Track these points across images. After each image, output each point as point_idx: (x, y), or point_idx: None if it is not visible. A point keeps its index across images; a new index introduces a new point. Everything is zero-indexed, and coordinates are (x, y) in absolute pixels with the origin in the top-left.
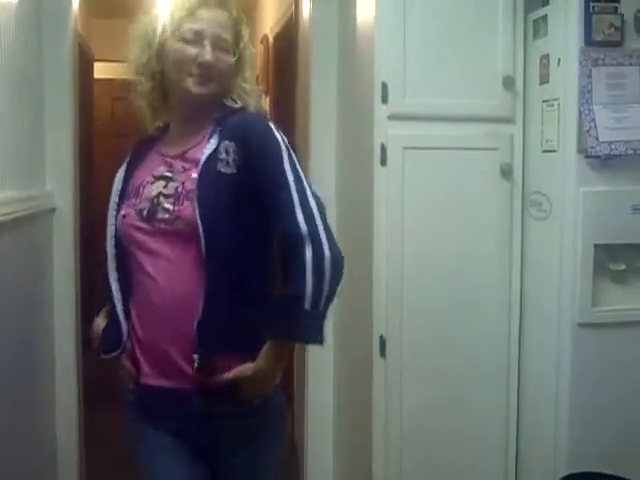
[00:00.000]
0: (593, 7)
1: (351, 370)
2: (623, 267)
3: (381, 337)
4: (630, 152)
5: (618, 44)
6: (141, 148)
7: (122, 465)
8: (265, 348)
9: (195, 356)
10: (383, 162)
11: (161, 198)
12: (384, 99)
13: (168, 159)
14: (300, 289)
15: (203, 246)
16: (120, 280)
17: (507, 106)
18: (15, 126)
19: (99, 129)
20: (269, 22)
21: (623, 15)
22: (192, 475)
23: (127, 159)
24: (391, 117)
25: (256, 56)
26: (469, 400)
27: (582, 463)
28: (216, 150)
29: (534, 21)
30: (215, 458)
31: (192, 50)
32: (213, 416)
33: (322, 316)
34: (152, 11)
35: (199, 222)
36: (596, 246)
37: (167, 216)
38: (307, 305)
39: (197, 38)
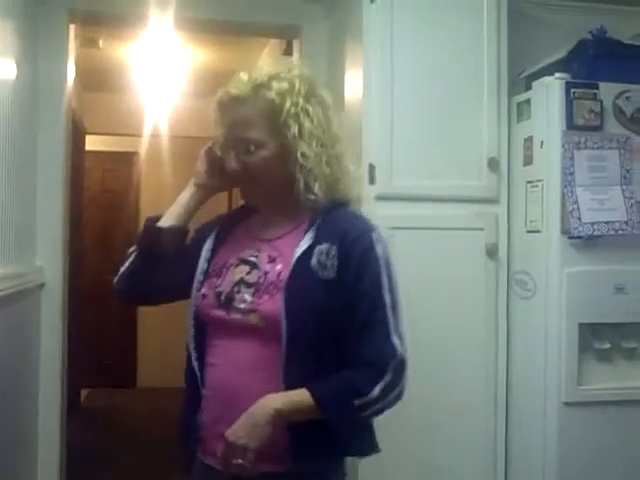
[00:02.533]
0: (574, 93)
1: None
2: (608, 346)
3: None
4: (612, 232)
5: (598, 128)
6: (229, 222)
7: None
8: (288, 393)
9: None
10: None
11: (242, 286)
12: (371, 180)
13: (257, 243)
14: (366, 390)
15: (284, 348)
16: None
17: (492, 187)
18: (7, 201)
19: (89, 200)
20: None
21: (602, 101)
22: None
23: (215, 231)
24: (378, 198)
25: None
26: (456, 474)
27: None
28: (311, 248)
29: (518, 104)
30: None
31: (225, 156)
32: None
33: (358, 424)
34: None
35: (284, 321)
36: (581, 325)
37: (243, 306)
38: (357, 402)
39: (225, 144)
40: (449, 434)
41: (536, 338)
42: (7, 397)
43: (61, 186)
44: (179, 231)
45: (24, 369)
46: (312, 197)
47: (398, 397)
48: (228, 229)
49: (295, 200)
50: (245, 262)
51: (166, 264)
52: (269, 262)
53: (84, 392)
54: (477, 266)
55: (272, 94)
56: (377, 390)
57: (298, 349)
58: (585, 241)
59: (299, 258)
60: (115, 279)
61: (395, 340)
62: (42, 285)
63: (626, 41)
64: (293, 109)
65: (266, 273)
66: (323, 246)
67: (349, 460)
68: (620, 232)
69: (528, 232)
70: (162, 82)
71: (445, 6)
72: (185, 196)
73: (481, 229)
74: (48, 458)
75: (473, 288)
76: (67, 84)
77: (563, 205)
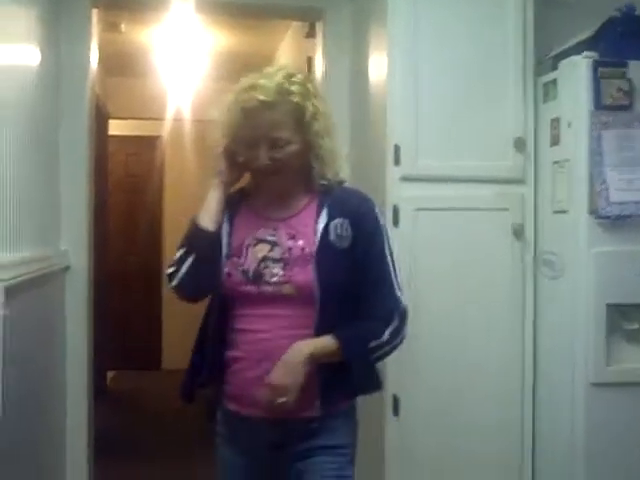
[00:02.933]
0: (601, 72)
1: (363, 430)
2: (636, 326)
3: (394, 396)
4: None
5: (627, 107)
6: (233, 203)
7: None
8: (315, 340)
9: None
10: (395, 223)
11: (268, 262)
12: (397, 161)
13: (271, 222)
14: (379, 334)
15: (317, 311)
16: (218, 330)
17: (518, 167)
18: (33, 185)
19: (112, 185)
20: None
21: (631, 79)
22: None
23: (226, 215)
24: (403, 179)
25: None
26: (483, 457)
27: None
28: (327, 224)
29: (544, 85)
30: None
31: (250, 153)
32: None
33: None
34: (214, 113)
35: (317, 289)
36: (608, 305)
37: (275, 279)
38: (372, 344)
39: (251, 142)
40: (476, 415)
41: (563, 318)
42: (34, 381)
43: (85, 170)
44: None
45: (51, 352)
46: (324, 182)
47: (402, 341)
48: (234, 212)
49: (304, 183)
50: (263, 241)
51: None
52: (289, 239)
53: (110, 375)
54: (503, 247)
55: (296, 98)
56: (387, 334)
57: (327, 310)
58: (613, 221)
59: (322, 234)
60: (174, 281)
61: (398, 294)
62: (67, 268)
63: None
64: (312, 109)
65: (290, 249)
66: (337, 221)
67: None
68: None
69: (555, 212)
70: (184, 66)
71: None
72: (216, 195)
73: (507, 209)
74: (76, 441)
75: (499, 269)
76: (90, 69)
77: (590, 185)
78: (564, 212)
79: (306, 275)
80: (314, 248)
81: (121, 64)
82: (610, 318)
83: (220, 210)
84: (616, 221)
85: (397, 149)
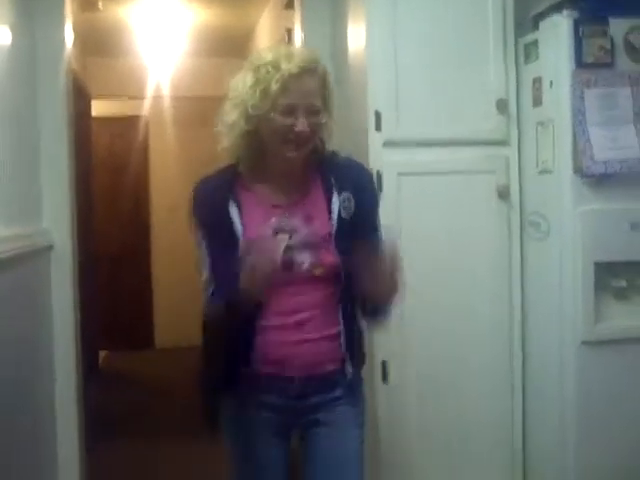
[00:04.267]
0: (582, 30)
1: None
2: (624, 284)
3: (383, 362)
4: (625, 170)
5: (609, 65)
6: (231, 184)
7: None
8: None
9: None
10: (379, 189)
11: (292, 251)
12: (378, 127)
13: (281, 209)
14: None
15: (342, 285)
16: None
17: (501, 129)
18: (9, 164)
19: (98, 165)
20: None
21: (612, 38)
22: None
23: (230, 202)
24: (385, 144)
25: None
26: (473, 420)
27: None
28: (341, 202)
29: (525, 45)
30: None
31: (287, 121)
32: None
33: None
34: (246, 78)
35: (342, 268)
36: (596, 264)
37: (306, 265)
38: None
39: (291, 110)
40: (465, 380)
41: (551, 279)
42: (21, 360)
43: (65, 150)
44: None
45: (37, 331)
46: (325, 155)
47: None
48: (238, 198)
49: (309, 162)
50: (281, 230)
51: None
52: (306, 222)
53: (102, 354)
54: (489, 209)
55: (324, 72)
56: None
57: (348, 279)
58: (598, 179)
59: (338, 214)
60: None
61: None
62: (50, 247)
63: None
64: (331, 86)
65: (311, 233)
66: (344, 195)
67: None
68: (634, 169)
69: (540, 173)
70: (164, 42)
71: None
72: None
73: (492, 172)
74: (66, 421)
75: (485, 232)
76: (66, 49)
77: (575, 144)
78: (549, 172)
79: (333, 256)
80: (332, 229)
81: (101, 43)
82: (598, 276)
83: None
84: (601, 179)
85: (378, 115)
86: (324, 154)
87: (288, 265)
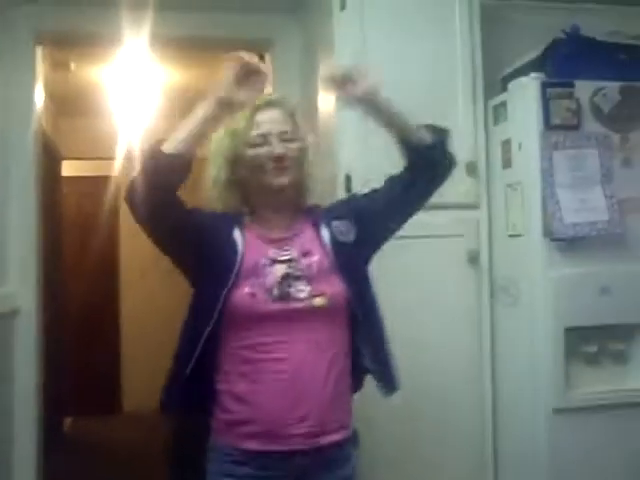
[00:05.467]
0: (550, 93)
1: None
2: (595, 349)
3: (354, 430)
4: (594, 233)
5: (576, 127)
6: (238, 219)
7: None
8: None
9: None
10: None
11: (290, 280)
12: (348, 190)
13: (279, 242)
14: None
15: (349, 321)
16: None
17: (471, 192)
18: None
19: (67, 225)
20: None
21: (579, 100)
22: None
23: (238, 231)
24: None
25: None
26: None
27: None
28: (331, 232)
29: (494, 107)
30: None
31: (262, 150)
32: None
33: None
34: (218, 132)
35: (349, 298)
36: (567, 329)
37: (303, 295)
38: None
39: (264, 140)
40: (436, 445)
41: (522, 345)
42: None
43: (34, 212)
44: (186, 160)
45: None
46: (309, 200)
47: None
48: (243, 229)
49: (297, 203)
50: (278, 261)
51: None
52: (304, 256)
53: (67, 421)
54: (459, 273)
55: (293, 106)
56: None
57: (362, 320)
58: (568, 243)
59: (331, 243)
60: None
61: None
62: (15, 312)
63: (599, 38)
64: (302, 123)
65: (308, 265)
66: (334, 224)
67: None
68: (603, 232)
69: (510, 236)
70: (137, 103)
71: (416, 10)
72: (200, 114)
73: (461, 235)
74: None
75: (455, 296)
76: (36, 109)
77: (544, 207)
78: (519, 236)
79: (335, 285)
80: (332, 259)
81: (73, 104)
82: (568, 342)
83: (199, 134)
84: (571, 243)
85: (348, 179)
86: (309, 205)
87: (285, 293)
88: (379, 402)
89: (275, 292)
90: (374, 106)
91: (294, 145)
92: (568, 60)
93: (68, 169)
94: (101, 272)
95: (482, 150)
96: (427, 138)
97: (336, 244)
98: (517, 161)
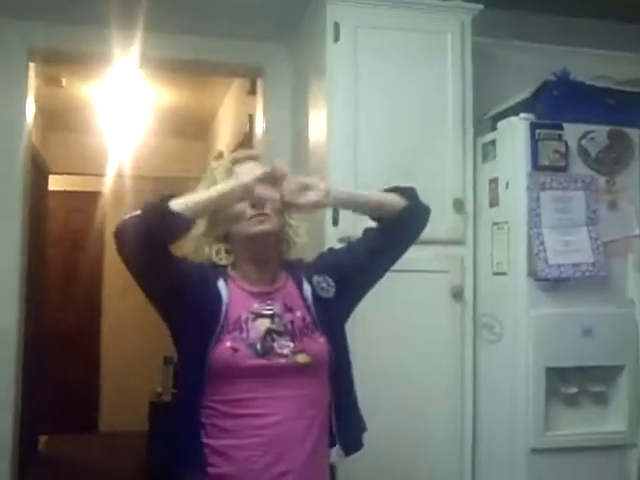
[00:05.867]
0: (539, 134)
1: None
2: (575, 390)
3: (331, 465)
4: (578, 274)
5: (563, 169)
6: (218, 269)
7: None
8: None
9: None
10: None
11: (274, 335)
12: (335, 222)
13: (263, 296)
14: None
15: (331, 375)
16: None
17: (457, 228)
18: None
19: (53, 240)
20: (225, 138)
21: (567, 142)
22: None
23: (222, 284)
24: (341, 240)
25: None
26: None
27: None
28: (313, 288)
29: (483, 145)
30: None
31: (241, 206)
32: None
33: None
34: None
35: (330, 354)
36: (548, 369)
37: (286, 351)
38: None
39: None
40: None
41: (503, 383)
42: None
43: (18, 227)
44: (189, 222)
45: None
46: (290, 251)
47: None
48: (227, 282)
49: (278, 256)
50: (262, 315)
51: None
52: (287, 311)
53: (43, 439)
54: (443, 309)
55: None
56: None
57: (338, 369)
58: (552, 283)
59: (313, 300)
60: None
61: None
62: None
63: (588, 82)
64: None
65: (292, 321)
66: (315, 279)
67: None
68: (587, 274)
69: (494, 274)
70: (127, 121)
71: (409, 46)
72: (220, 189)
73: (446, 271)
74: None
75: (439, 332)
76: (26, 124)
77: (529, 247)
78: (503, 274)
79: (319, 343)
80: (314, 315)
81: (62, 119)
82: (549, 382)
83: (212, 206)
84: (555, 283)
85: (336, 211)
86: (291, 260)
87: (268, 348)
88: None
89: (258, 347)
90: (334, 205)
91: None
92: (558, 102)
93: (56, 183)
94: (84, 289)
95: (470, 187)
96: (398, 204)
97: (318, 300)
98: (504, 200)
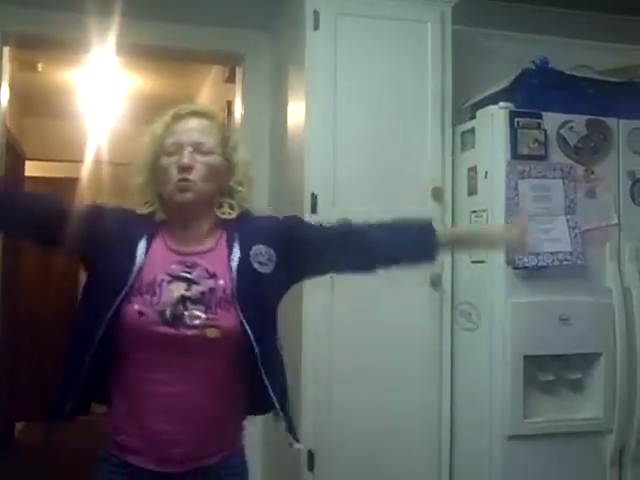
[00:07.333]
0: (518, 122)
1: None
2: (552, 377)
3: (309, 451)
4: (556, 263)
5: (542, 158)
6: (149, 227)
7: None
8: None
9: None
10: None
11: (187, 303)
12: (313, 209)
13: (185, 257)
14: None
15: (258, 351)
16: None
17: (436, 217)
18: None
19: None
20: None
21: (546, 131)
22: None
23: (144, 237)
24: None
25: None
26: None
27: None
28: (247, 256)
29: (462, 133)
30: None
31: (172, 159)
32: None
33: None
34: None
35: (248, 330)
36: (525, 357)
37: (197, 322)
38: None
39: (177, 149)
40: (393, 470)
41: (481, 371)
42: None
43: None
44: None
45: None
46: (230, 216)
47: None
48: (150, 240)
49: (212, 216)
50: (179, 278)
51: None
52: (209, 278)
53: (19, 426)
54: (421, 297)
55: (220, 122)
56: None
57: (265, 346)
58: (530, 271)
59: (239, 269)
60: None
61: None
62: None
63: (567, 72)
64: (235, 139)
65: (211, 289)
66: (255, 249)
67: None
68: (565, 262)
69: (473, 262)
70: (104, 107)
71: (389, 35)
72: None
73: None
74: None
75: (417, 319)
76: (1, 108)
77: None
78: (482, 262)
79: (233, 318)
80: (235, 287)
81: (39, 105)
82: (527, 369)
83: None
84: (533, 272)
85: (314, 198)
86: (234, 217)
87: (177, 316)
88: (335, 429)
89: (167, 314)
90: None
91: (207, 158)
92: (537, 91)
93: (32, 169)
94: (60, 275)
95: (448, 176)
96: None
97: (246, 271)
98: (483, 188)
